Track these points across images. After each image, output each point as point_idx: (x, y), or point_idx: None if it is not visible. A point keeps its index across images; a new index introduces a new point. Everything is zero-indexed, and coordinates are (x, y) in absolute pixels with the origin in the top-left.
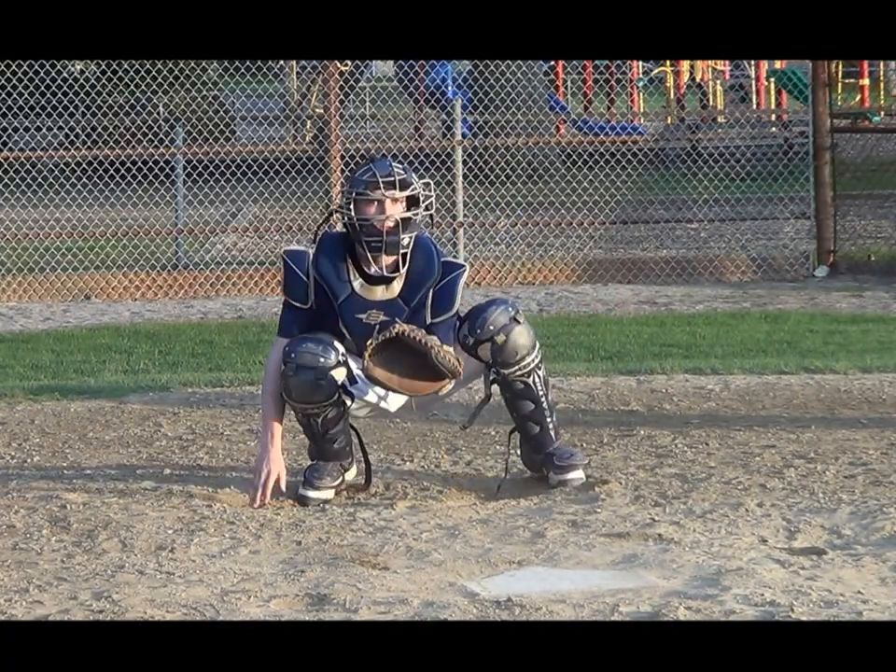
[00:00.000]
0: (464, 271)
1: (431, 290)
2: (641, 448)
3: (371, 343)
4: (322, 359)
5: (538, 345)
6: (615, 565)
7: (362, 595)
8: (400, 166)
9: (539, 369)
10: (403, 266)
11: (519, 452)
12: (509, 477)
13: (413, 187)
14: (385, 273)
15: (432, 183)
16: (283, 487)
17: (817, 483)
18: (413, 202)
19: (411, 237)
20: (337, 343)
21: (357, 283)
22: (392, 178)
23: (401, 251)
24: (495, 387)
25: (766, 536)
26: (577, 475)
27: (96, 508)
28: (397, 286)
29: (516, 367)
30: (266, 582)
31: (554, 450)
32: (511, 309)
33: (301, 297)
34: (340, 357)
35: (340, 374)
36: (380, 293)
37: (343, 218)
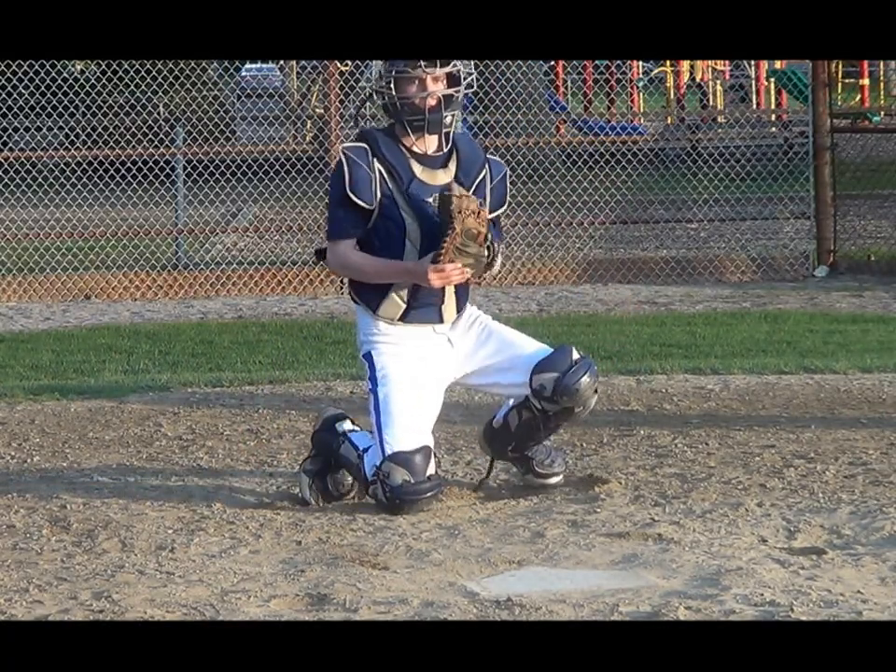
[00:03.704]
0: (507, 170)
1: (489, 184)
2: (641, 448)
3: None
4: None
5: None
6: (615, 565)
7: (362, 594)
8: None
9: None
10: (447, 144)
11: (482, 433)
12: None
13: (452, 63)
14: (430, 153)
15: (472, 63)
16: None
17: (817, 483)
18: (453, 80)
19: (453, 115)
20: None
21: (418, 168)
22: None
23: (444, 129)
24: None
25: (766, 536)
26: (556, 480)
27: (96, 508)
28: (452, 167)
29: (566, 420)
30: (266, 582)
31: (533, 454)
32: (595, 376)
33: (367, 195)
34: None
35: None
36: (440, 177)
37: (384, 98)
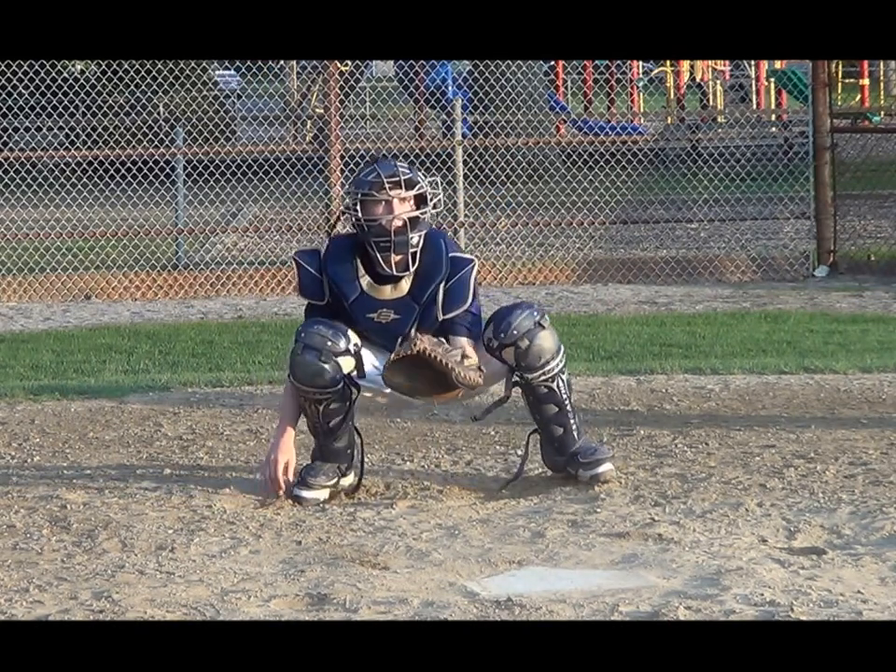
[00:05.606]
0: (473, 265)
1: (442, 287)
2: (641, 448)
3: (392, 357)
4: (329, 343)
5: (562, 349)
6: (615, 565)
7: (362, 594)
8: (405, 165)
9: (563, 373)
10: (413, 264)
11: (540, 454)
12: (512, 479)
13: (419, 185)
14: (396, 273)
15: (439, 180)
16: (290, 476)
17: (817, 483)
18: (420, 200)
19: (420, 235)
20: (353, 334)
21: (366, 282)
22: (397, 178)
23: (411, 250)
24: (516, 389)
25: (766, 536)
26: (607, 467)
27: (96, 508)
28: (405, 284)
29: (539, 372)
30: (266, 582)
31: (578, 448)
32: (536, 314)
33: (317, 293)
34: (350, 347)
35: (347, 364)
36: (388, 292)
37: (352, 220)
